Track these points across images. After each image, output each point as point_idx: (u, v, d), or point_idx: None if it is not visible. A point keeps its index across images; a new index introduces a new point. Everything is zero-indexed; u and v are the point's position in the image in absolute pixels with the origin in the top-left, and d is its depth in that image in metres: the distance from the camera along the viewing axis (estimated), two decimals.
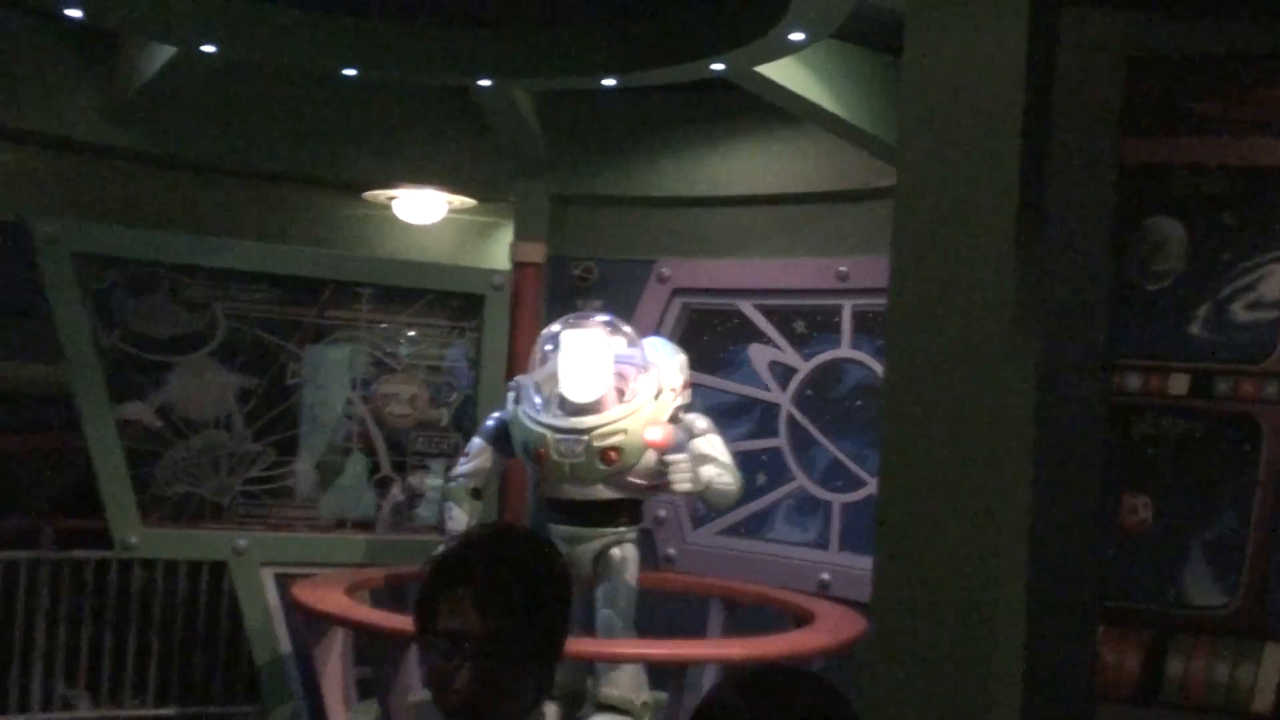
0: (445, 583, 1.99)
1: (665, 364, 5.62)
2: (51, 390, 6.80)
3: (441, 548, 2.15)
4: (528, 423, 5.51)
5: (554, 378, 5.51)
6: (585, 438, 5.35)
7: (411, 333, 7.06)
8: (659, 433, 5.33)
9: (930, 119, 3.04)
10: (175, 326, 6.67)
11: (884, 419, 3.14)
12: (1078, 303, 3.03)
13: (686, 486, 5.31)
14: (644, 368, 5.49)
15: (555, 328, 5.66)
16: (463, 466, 5.89)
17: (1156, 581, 2.84)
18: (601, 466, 5.38)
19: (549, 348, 5.62)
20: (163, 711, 6.96)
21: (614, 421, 5.35)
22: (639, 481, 5.47)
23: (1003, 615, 2.83)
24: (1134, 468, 2.89)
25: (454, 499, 5.87)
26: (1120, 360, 2.94)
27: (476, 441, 5.90)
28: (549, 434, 5.41)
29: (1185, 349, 2.90)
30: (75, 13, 5.72)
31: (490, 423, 5.86)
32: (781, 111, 6.14)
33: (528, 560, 2.06)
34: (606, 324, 5.60)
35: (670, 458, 5.32)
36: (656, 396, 5.43)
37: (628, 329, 5.67)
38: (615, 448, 5.36)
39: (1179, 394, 2.89)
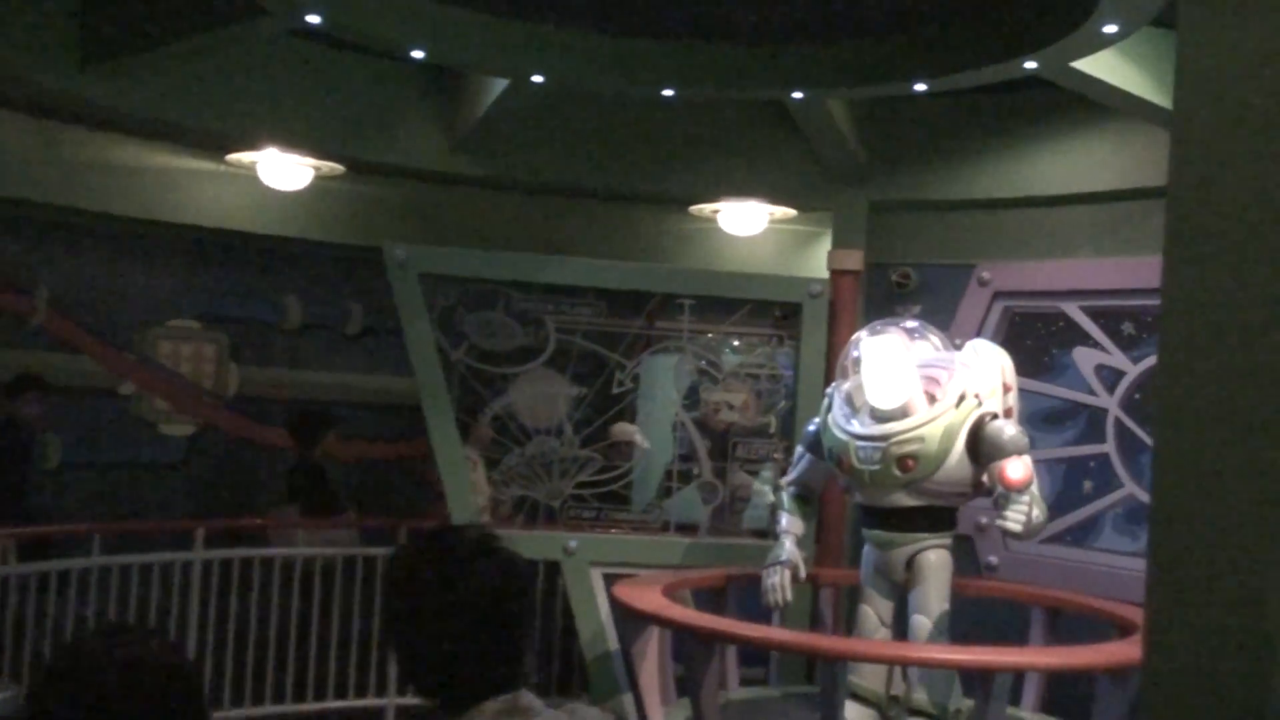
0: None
1: (981, 368, 5.51)
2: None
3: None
4: (835, 430, 5.59)
5: (860, 386, 5.54)
6: (883, 445, 5.34)
7: (736, 341, 7.22)
8: (1019, 470, 5.19)
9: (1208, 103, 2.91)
10: (511, 340, 7.09)
11: (1156, 425, 3.02)
12: None
13: (1016, 529, 5.17)
14: (952, 372, 5.42)
15: (860, 335, 5.70)
16: (790, 475, 6.07)
17: None
18: (898, 474, 5.35)
19: (855, 354, 5.66)
20: None
21: (911, 430, 5.31)
22: (942, 489, 5.41)
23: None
24: None
25: (783, 505, 6.03)
26: None
27: (799, 449, 6.04)
28: (851, 441, 5.47)
29: None
30: (419, 54, 6.22)
31: (810, 429, 5.97)
32: (1101, 105, 5.93)
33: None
34: (912, 330, 5.58)
35: (1014, 495, 5.20)
36: (959, 404, 5.34)
37: (937, 333, 5.63)
38: (912, 456, 5.32)
39: None
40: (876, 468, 5.37)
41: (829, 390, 5.92)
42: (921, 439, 5.31)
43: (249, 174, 7.53)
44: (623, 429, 7.18)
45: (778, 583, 5.83)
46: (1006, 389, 5.58)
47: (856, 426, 5.47)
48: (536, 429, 7.04)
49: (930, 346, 5.53)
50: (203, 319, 8.50)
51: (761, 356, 7.21)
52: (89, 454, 8.12)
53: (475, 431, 7.06)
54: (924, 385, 5.41)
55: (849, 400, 5.58)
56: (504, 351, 7.04)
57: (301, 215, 7.85)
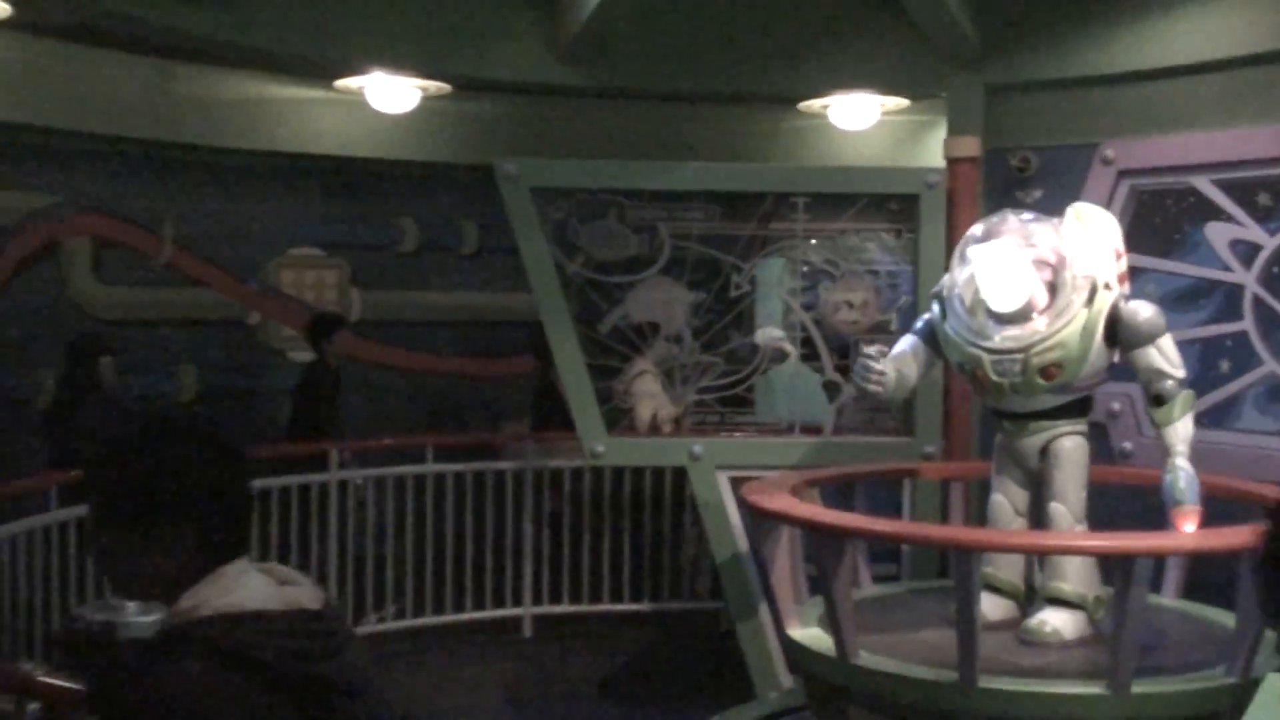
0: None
1: (1096, 244, 5.32)
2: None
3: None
4: (961, 342, 5.37)
5: (974, 285, 5.35)
6: (1022, 356, 5.17)
7: (850, 239, 7.11)
8: (1190, 525, 5.04)
9: None
10: (626, 249, 7.07)
11: None
12: None
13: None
14: (1069, 260, 5.21)
15: (972, 233, 5.48)
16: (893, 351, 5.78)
17: None
18: (1042, 383, 5.21)
19: (965, 260, 5.45)
20: (636, 607, 7.51)
21: (1050, 336, 5.13)
22: (1083, 384, 5.27)
23: None
24: None
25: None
26: None
27: (907, 337, 5.82)
28: (985, 356, 5.25)
29: None
30: None
31: (920, 323, 5.78)
32: None
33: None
34: (1024, 222, 5.35)
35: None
36: (1091, 298, 5.16)
37: (1048, 222, 5.39)
38: (1055, 364, 5.16)
39: None
40: (1019, 379, 5.22)
41: (938, 289, 5.72)
42: (1063, 344, 5.13)
43: (358, 99, 7.59)
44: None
45: (872, 361, 5.50)
46: (1119, 255, 5.39)
47: (988, 339, 5.25)
48: (656, 338, 7.03)
49: (1047, 235, 5.31)
50: (323, 246, 8.65)
51: (876, 251, 7.08)
52: (225, 381, 8.35)
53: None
54: (1043, 275, 5.21)
55: (969, 305, 5.37)
56: (619, 261, 7.03)
57: (412, 137, 7.91)
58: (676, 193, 7.03)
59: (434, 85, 7.52)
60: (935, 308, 5.59)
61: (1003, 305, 5.20)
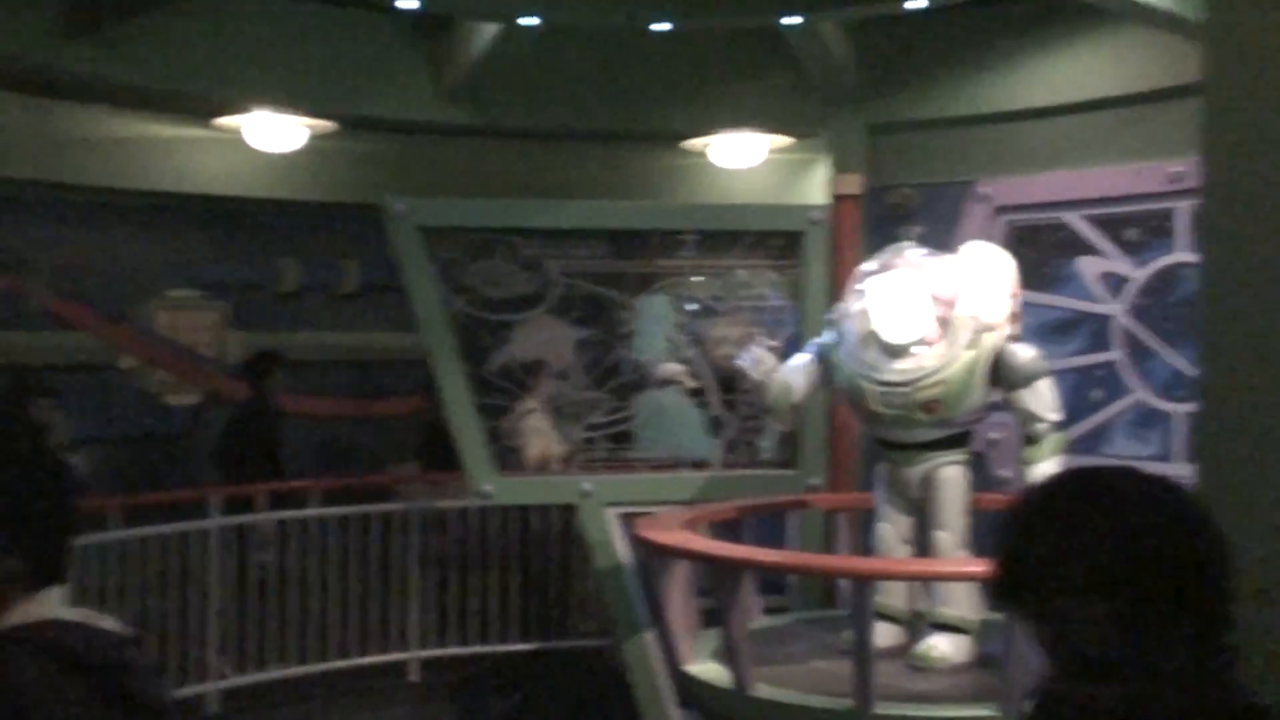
0: None
1: (989, 284, 5.47)
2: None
3: None
4: (849, 370, 5.50)
5: (867, 316, 5.46)
6: (907, 390, 5.31)
7: (736, 275, 7.19)
8: None
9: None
10: (514, 287, 7.06)
11: (1204, 327, 3.05)
12: None
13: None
14: (961, 298, 5.36)
15: (868, 267, 5.62)
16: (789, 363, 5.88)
17: None
18: (924, 417, 5.34)
19: (861, 290, 5.57)
20: (525, 646, 7.46)
21: (935, 372, 5.27)
22: (963, 419, 5.41)
23: None
24: None
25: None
26: None
27: (803, 354, 5.91)
28: (871, 386, 5.39)
29: None
30: (411, 3, 6.15)
31: (812, 347, 5.88)
32: (1095, 10, 5.89)
33: None
34: (920, 257, 5.50)
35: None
36: (977, 338, 5.29)
37: (943, 258, 5.55)
38: (938, 399, 5.30)
39: None
40: (901, 411, 5.35)
41: (832, 317, 5.85)
42: (946, 381, 5.28)
43: (238, 138, 7.48)
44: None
45: (757, 355, 5.76)
46: (1013, 295, 5.56)
47: (875, 369, 5.38)
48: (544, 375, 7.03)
49: (941, 272, 5.45)
50: (201, 287, 8.48)
51: (759, 287, 7.17)
52: (96, 429, 8.12)
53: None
54: (935, 311, 5.34)
55: (860, 336, 5.48)
56: (508, 299, 7.02)
57: (293, 176, 7.82)
58: (565, 231, 7.07)
59: (319, 124, 7.46)
60: (828, 334, 5.71)
61: (895, 337, 5.31)
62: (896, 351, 5.33)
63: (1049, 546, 1.79)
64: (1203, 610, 1.76)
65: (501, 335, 7.06)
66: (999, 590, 1.84)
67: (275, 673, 7.28)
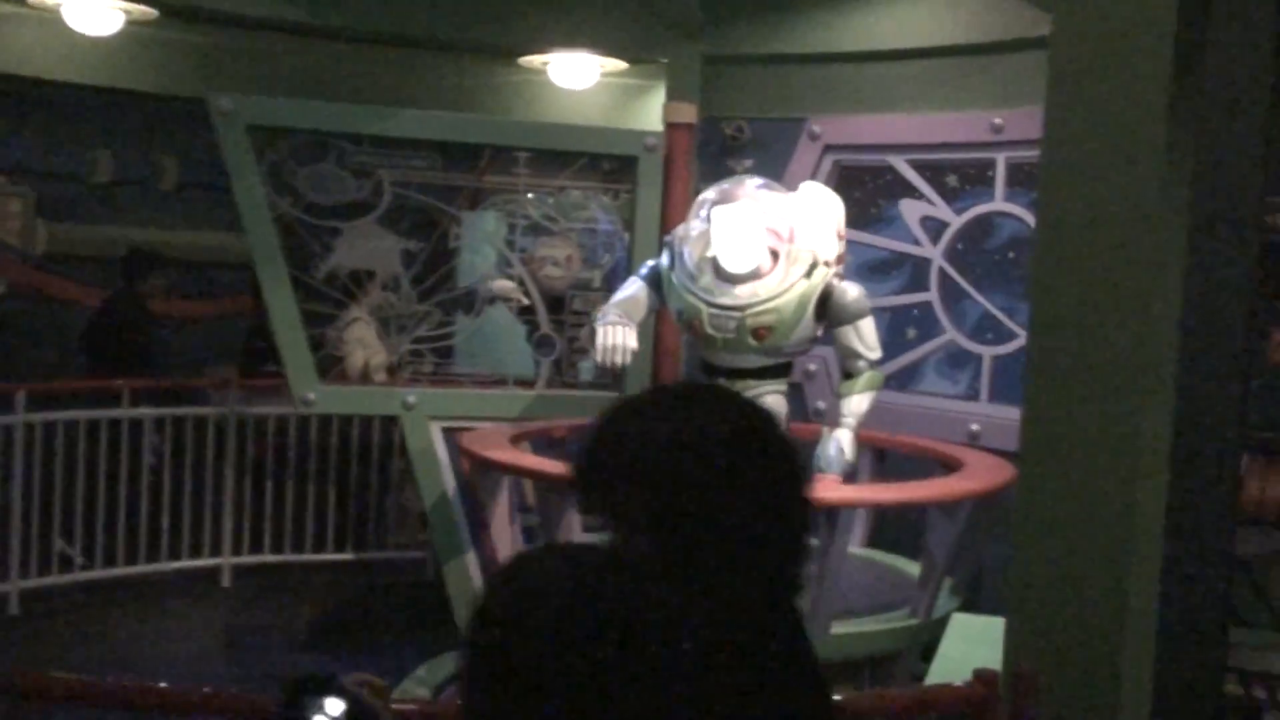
0: None
1: (822, 222, 5.67)
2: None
3: None
4: (683, 291, 5.63)
5: (706, 241, 5.59)
6: (739, 315, 5.47)
7: (568, 196, 7.23)
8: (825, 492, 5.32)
9: None
10: (344, 194, 6.95)
11: (1034, 264, 3.22)
12: (1232, 148, 3.05)
13: (827, 465, 5.39)
14: (798, 232, 5.54)
15: (710, 195, 5.74)
16: (615, 297, 5.99)
17: None
18: (753, 342, 5.51)
19: (703, 213, 5.70)
20: (341, 557, 7.45)
21: (767, 300, 5.44)
22: (789, 349, 5.60)
23: (1148, 445, 2.92)
24: None
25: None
26: (1272, 198, 2.95)
27: (634, 280, 6.03)
28: (704, 309, 5.54)
29: None
30: None
31: (646, 269, 6.00)
32: None
33: None
34: (759, 186, 5.65)
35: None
36: (810, 272, 5.48)
37: (782, 193, 5.72)
38: (766, 326, 5.48)
39: None
40: (731, 335, 5.50)
41: (669, 238, 5.97)
42: (778, 310, 5.45)
43: (54, 17, 7.10)
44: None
45: (619, 343, 5.71)
46: (840, 236, 5.77)
47: (710, 293, 5.53)
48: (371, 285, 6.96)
49: (778, 204, 5.62)
50: (6, 172, 8.08)
51: (589, 210, 7.23)
52: None
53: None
54: (771, 243, 5.51)
55: (696, 260, 5.61)
56: (337, 206, 6.90)
57: (112, 63, 7.46)
58: (397, 139, 6.97)
59: (138, 9, 7.13)
60: (665, 256, 5.82)
61: (735, 266, 5.46)
62: (733, 279, 5.48)
63: (613, 447, 1.85)
64: (757, 532, 1.80)
65: (329, 242, 6.95)
66: (574, 483, 1.88)
67: (82, 575, 7.10)
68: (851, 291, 5.54)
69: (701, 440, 1.80)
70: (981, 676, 3.06)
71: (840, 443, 5.39)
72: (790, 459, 1.88)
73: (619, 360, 5.75)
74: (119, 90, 7.79)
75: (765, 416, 1.91)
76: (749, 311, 5.46)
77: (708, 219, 5.58)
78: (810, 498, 1.90)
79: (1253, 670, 2.87)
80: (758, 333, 5.48)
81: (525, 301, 7.09)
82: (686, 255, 5.66)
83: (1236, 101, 3.00)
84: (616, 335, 5.70)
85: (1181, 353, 2.97)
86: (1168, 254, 3.02)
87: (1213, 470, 2.91)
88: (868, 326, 5.55)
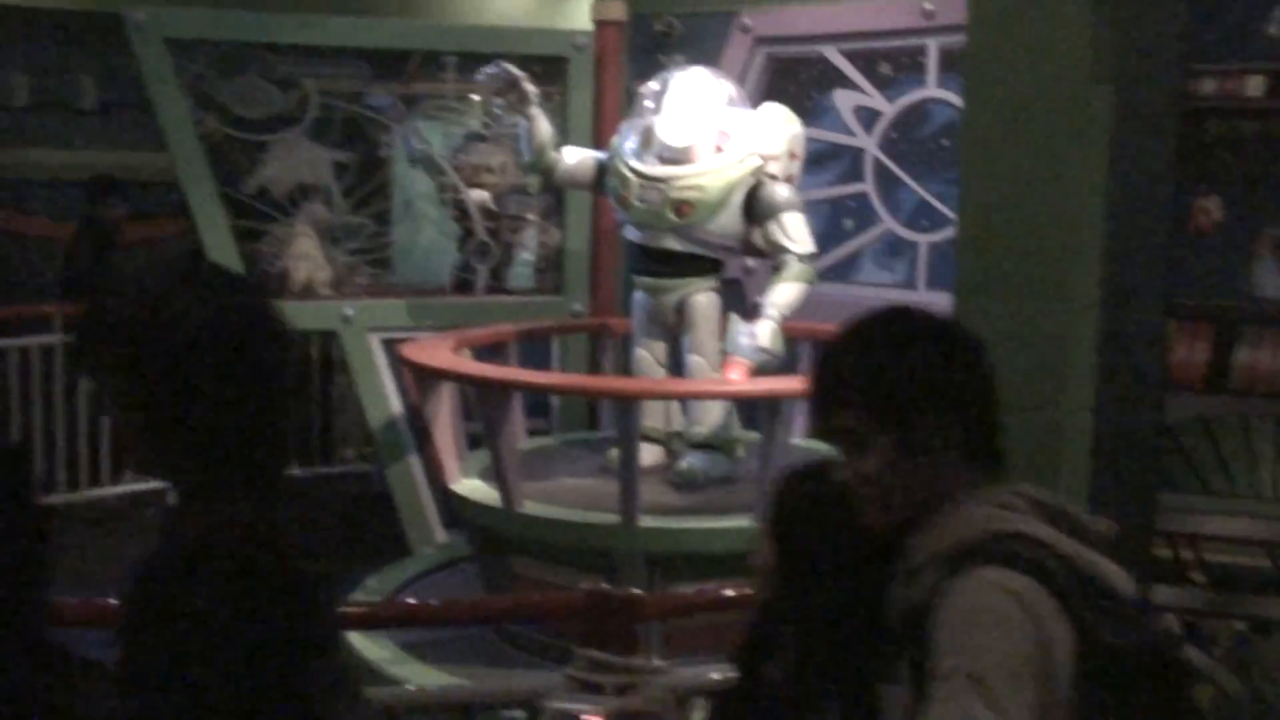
0: None
1: (771, 130, 5.66)
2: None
3: None
4: (619, 165, 5.67)
5: (649, 121, 5.58)
6: (663, 187, 5.47)
7: (498, 100, 7.12)
8: (735, 374, 5.34)
9: None
10: (269, 106, 6.81)
11: (963, 147, 3.22)
12: (1154, 17, 3.04)
13: (740, 349, 5.36)
14: (742, 127, 5.52)
15: (654, 84, 5.73)
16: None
17: (1226, 278, 2.92)
18: (673, 218, 5.50)
19: (648, 102, 5.68)
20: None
21: (693, 176, 5.45)
22: (711, 240, 5.59)
23: (1077, 309, 2.95)
24: (1207, 170, 2.94)
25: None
26: (1196, 65, 2.95)
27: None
28: (634, 179, 5.57)
29: (1262, 50, 2.91)
30: None
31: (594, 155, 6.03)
32: None
33: None
34: (718, 78, 5.68)
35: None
36: (742, 160, 5.47)
37: (737, 88, 5.73)
38: (688, 202, 5.46)
39: (1255, 95, 2.91)
40: (655, 208, 5.51)
41: (622, 126, 5.96)
42: (701, 187, 5.45)
43: None
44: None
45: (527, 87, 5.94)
46: (793, 157, 5.77)
47: (641, 165, 5.54)
48: (302, 199, 6.86)
49: (729, 96, 5.62)
50: None
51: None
52: None
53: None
54: (715, 126, 5.50)
55: (642, 136, 5.61)
56: (263, 118, 6.77)
57: None
58: (321, 48, 6.83)
59: None
60: (614, 141, 5.81)
61: (672, 139, 5.45)
62: (669, 154, 5.46)
63: (847, 369, 1.94)
64: (971, 439, 1.96)
65: (256, 156, 6.83)
66: (812, 409, 1.99)
67: None
68: (782, 190, 5.53)
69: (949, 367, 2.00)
70: None
71: (753, 331, 5.38)
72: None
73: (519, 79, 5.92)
74: (34, 10, 7.56)
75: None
76: (674, 183, 5.46)
77: (655, 103, 5.54)
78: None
79: (1180, 532, 2.92)
80: (680, 208, 5.49)
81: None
82: (628, 137, 5.69)
83: None
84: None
85: (1108, 225, 2.99)
86: (1094, 129, 3.03)
87: (1140, 339, 2.94)
88: (793, 220, 5.54)
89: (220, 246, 6.62)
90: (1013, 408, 3.23)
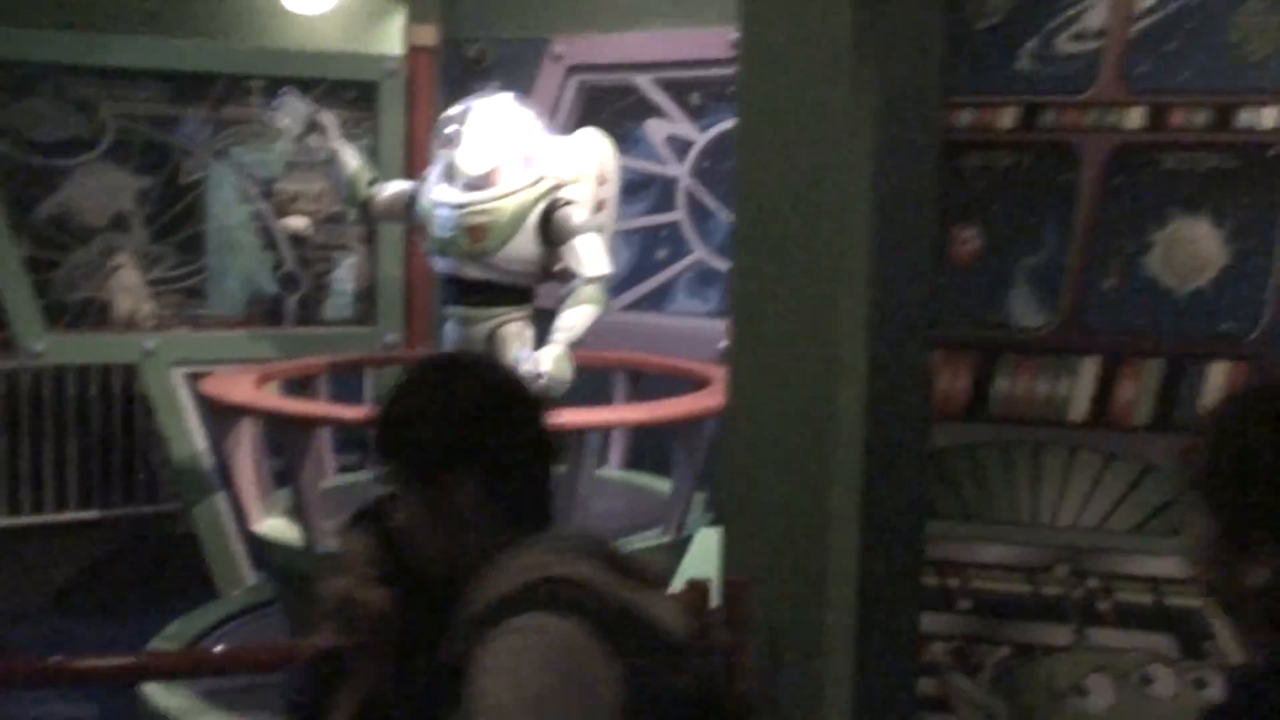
0: None
1: (574, 155, 5.62)
2: None
3: None
4: (421, 198, 5.62)
5: (451, 149, 5.52)
6: (458, 214, 5.42)
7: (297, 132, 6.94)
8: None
9: None
10: (64, 129, 6.56)
11: (736, 180, 3.22)
12: (914, 47, 3.08)
13: (533, 367, 5.29)
14: (541, 153, 5.48)
15: (455, 110, 5.65)
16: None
17: (985, 307, 2.96)
18: (466, 244, 5.44)
19: (449, 128, 5.60)
20: (85, 515, 7.12)
21: (484, 201, 5.40)
22: (510, 266, 5.52)
23: (846, 340, 2.95)
24: (965, 201, 2.98)
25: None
26: (952, 99, 2.99)
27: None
28: (433, 208, 5.52)
29: (1014, 83, 2.96)
30: None
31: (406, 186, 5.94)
32: None
33: None
34: (521, 103, 5.63)
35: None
36: (535, 184, 5.43)
37: (536, 114, 5.69)
38: (480, 227, 5.40)
39: (1007, 127, 2.95)
40: (450, 235, 5.44)
41: (436, 154, 5.87)
42: (493, 212, 5.40)
43: None
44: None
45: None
46: (601, 181, 5.72)
47: (442, 194, 5.48)
48: (100, 226, 6.60)
49: (534, 125, 5.58)
50: None
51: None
52: None
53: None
54: (518, 161, 5.44)
55: (445, 166, 5.55)
56: (57, 142, 6.51)
57: None
58: (121, 69, 6.60)
59: None
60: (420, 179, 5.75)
61: (469, 167, 5.39)
62: (471, 182, 5.42)
63: (414, 410, 1.94)
64: (512, 502, 1.93)
65: (51, 182, 6.56)
66: (377, 449, 1.97)
67: None
68: (578, 214, 5.49)
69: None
70: (695, 585, 3.07)
71: (535, 356, 5.31)
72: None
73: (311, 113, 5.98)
74: None
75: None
76: (467, 209, 5.41)
77: (455, 131, 5.48)
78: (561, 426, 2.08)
79: (945, 560, 2.94)
80: (473, 233, 5.42)
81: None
82: (438, 166, 5.64)
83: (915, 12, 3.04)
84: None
85: (874, 256, 3.00)
86: (859, 161, 3.05)
87: (905, 370, 2.96)
88: (587, 243, 5.48)
89: (9, 277, 6.34)
90: (785, 443, 3.24)
